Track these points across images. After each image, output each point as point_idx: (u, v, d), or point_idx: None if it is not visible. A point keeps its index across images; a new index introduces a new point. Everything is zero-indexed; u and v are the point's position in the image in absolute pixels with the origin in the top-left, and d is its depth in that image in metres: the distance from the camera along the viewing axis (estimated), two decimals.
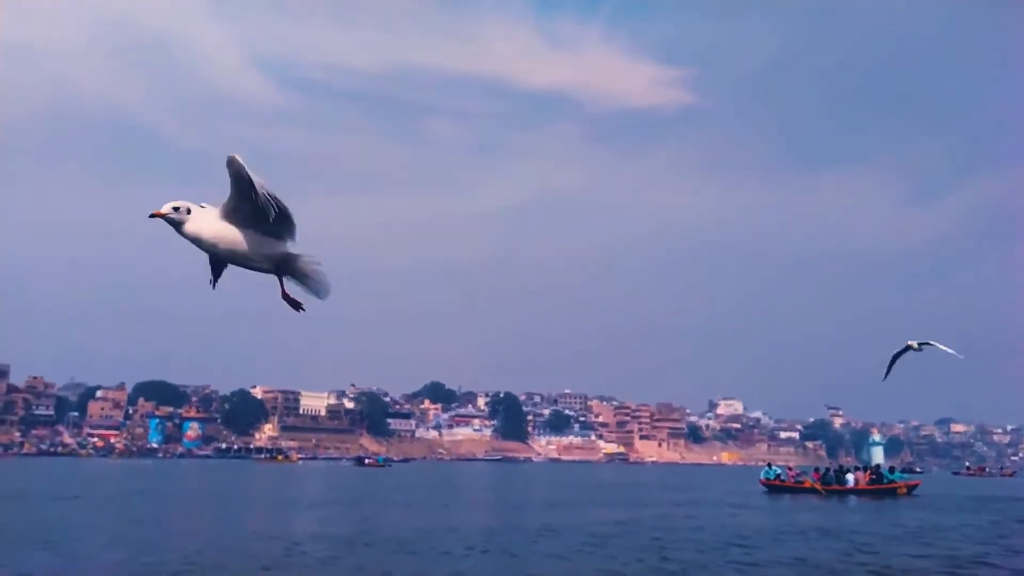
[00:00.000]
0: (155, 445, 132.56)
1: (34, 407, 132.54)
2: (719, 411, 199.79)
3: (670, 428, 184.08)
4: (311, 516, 22.75)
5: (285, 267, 4.61)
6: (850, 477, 37.66)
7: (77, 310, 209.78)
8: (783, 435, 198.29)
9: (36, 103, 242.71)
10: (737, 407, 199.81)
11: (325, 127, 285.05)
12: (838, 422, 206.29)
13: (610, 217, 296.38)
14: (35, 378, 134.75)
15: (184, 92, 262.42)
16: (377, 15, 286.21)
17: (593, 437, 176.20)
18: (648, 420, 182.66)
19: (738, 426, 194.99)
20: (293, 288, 4.63)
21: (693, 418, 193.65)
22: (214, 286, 4.95)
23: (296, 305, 4.67)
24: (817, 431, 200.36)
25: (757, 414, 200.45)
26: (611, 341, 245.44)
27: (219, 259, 4.56)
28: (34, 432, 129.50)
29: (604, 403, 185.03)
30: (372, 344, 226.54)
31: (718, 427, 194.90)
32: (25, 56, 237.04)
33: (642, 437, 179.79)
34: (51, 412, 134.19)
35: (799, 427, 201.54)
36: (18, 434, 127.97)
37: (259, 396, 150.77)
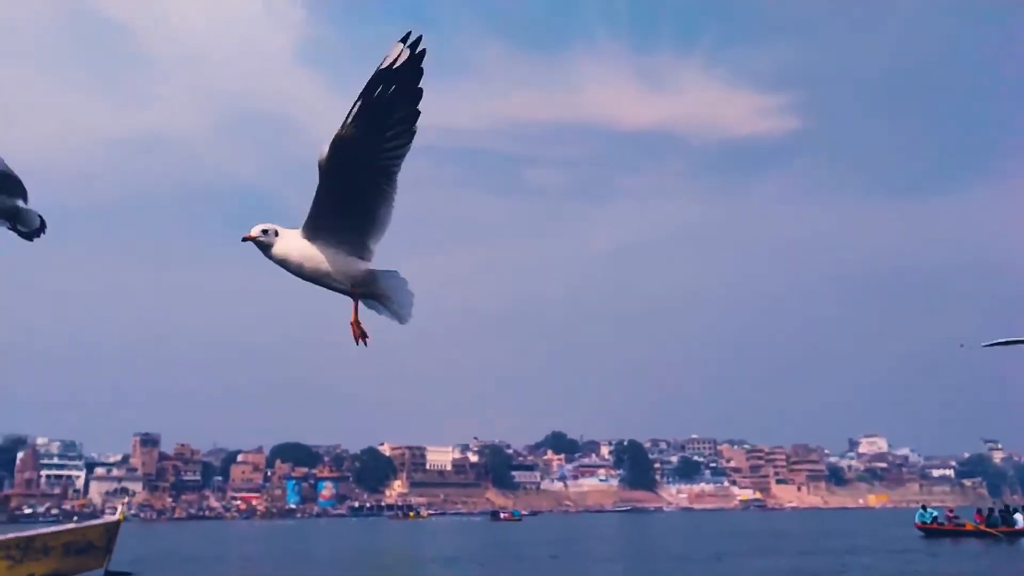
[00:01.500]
0: (293, 506, 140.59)
1: (183, 473, 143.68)
2: (861, 450, 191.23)
3: (808, 471, 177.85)
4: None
5: (367, 286, 4.73)
6: (1019, 517, 36.27)
7: (217, 377, 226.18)
8: (936, 473, 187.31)
9: (168, 183, 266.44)
10: (881, 444, 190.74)
11: (431, 183, 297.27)
12: (998, 457, 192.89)
13: (724, 250, 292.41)
14: (183, 445, 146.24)
15: (300, 160, 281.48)
16: (475, 73, 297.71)
17: (726, 483, 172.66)
18: (784, 463, 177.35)
19: (884, 465, 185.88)
20: (364, 313, 4.72)
21: (833, 459, 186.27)
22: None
23: (361, 336, 4.74)
24: (975, 467, 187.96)
25: (904, 451, 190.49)
26: (736, 381, 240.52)
27: (304, 279, 4.65)
28: (184, 497, 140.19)
29: (735, 447, 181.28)
30: (491, 395, 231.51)
31: (861, 467, 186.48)
32: (158, 143, 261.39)
33: (779, 481, 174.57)
34: (198, 477, 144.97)
35: (953, 464, 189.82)
36: (170, 500, 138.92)
37: (387, 453, 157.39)
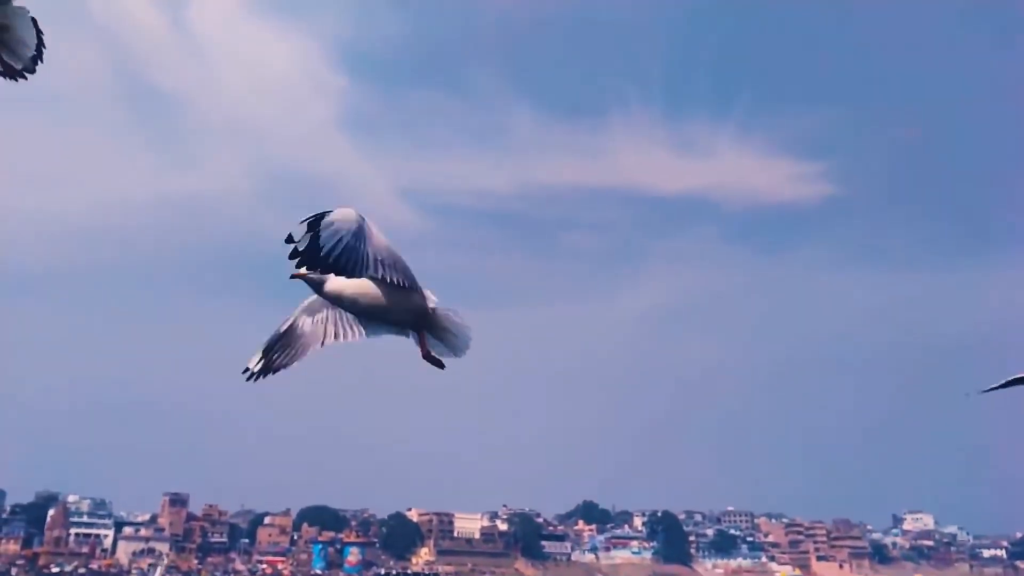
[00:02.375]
0: (319, 572, 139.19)
1: (210, 535, 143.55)
2: (906, 527, 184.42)
3: (851, 547, 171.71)
4: None
5: (424, 320, 4.70)
6: None
7: (244, 435, 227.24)
8: (986, 554, 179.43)
9: (209, 243, 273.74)
10: (927, 521, 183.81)
11: (465, 247, 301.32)
12: None
13: (760, 317, 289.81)
14: (211, 506, 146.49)
15: None
16: (509, 139, 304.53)
17: (764, 559, 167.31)
18: (825, 539, 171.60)
19: (930, 543, 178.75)
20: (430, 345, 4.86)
21: (876, 535, 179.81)
22: (256, 379, 5.19)
23: (437, 363, 4.78)
24: None
25: (952, 529, 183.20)
26: (772, 451, 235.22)
27: (359, 315, 4.67)
28: (209, 559, 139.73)
29: (773, 520, 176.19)
30: (522, 461, 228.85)
31: (907, 545, 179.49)
32: (193, 205, 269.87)
33: (820, 558, 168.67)
34: (224, 539, 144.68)
35: (1005, 544, 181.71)
36: (195, 562, 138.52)
37: (415, 519, 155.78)
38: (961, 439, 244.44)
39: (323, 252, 4.05)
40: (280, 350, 5.23)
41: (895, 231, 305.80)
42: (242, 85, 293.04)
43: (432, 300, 4.77)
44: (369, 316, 4.77)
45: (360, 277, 4.26)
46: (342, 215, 4.13)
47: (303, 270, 4.52)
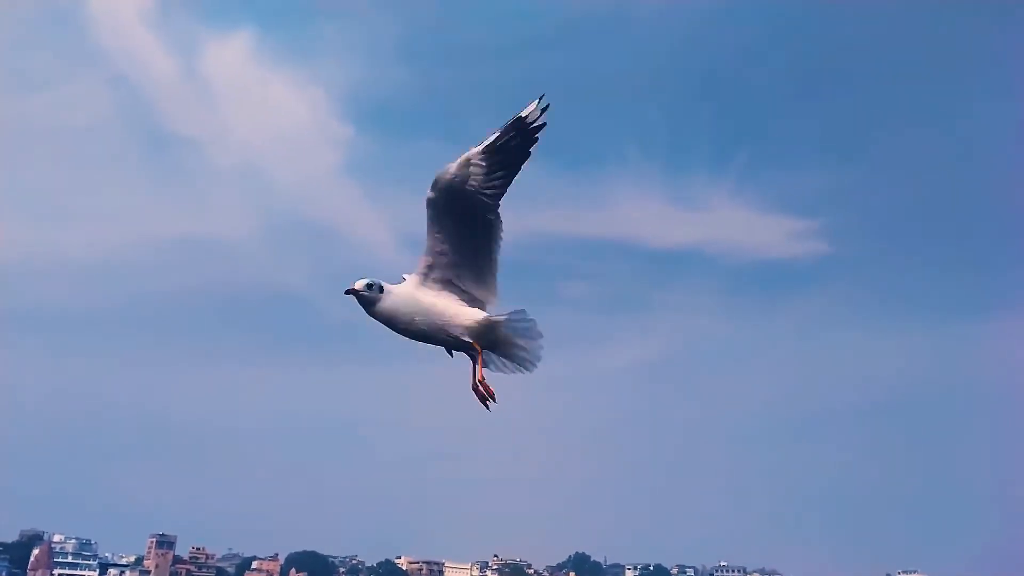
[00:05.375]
0: None
1: None
2: None
3: None
4: None
5: (488, 334, 4.44)
6: None
7: (234, 478, 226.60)
8: None
9: (214, 285, 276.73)
10: None
11: None
12: None
13: (753, 372, 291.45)
14: (198, 549, 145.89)
15: (340, 269, 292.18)
16: (511, 189, 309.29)
17: None
18: None
19: None
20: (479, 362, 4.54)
21: None
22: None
23: (487, 397, 4.43)
24: None
25: None
26: (766, 507, 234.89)
27: (414, 336, 4.34)
28: None
29: None
30: (513, 511, 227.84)
31: None
32: (201, 247, 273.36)
33: None
34: None
35: None
36: None
37: (404, 567, 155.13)
38: (955, 493, 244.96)
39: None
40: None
41: (888, 289, 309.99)
42: (251, 131, 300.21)
43: (489, 313, 4.56)
44: (425, 337, 4.52)
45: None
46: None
47: (356, 285, 4.37)
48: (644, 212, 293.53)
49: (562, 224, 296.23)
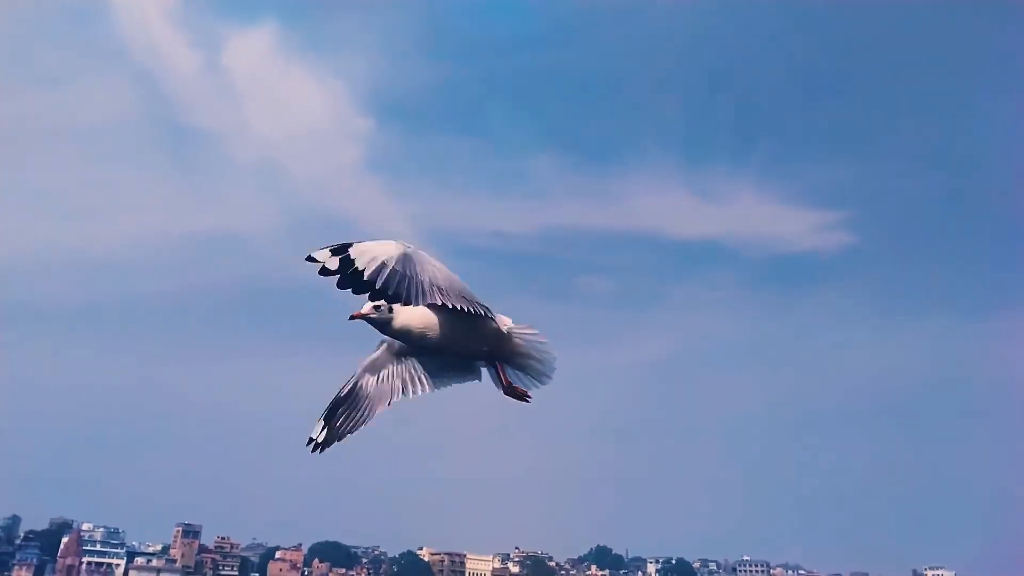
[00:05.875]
0: None
1: (221, 567, 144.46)
2: None
3: None
4: None
5: (501, 348, 4.49)
6: None
7: (260, 468, 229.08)
8: None
9: (235, 279, 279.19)
10: None
11: (481, 288, 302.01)
12: None
13: (775, 365, 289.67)
14: (223, 538, 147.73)
15: None
16: (529, 183, 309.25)
17: None
18: None
19: None
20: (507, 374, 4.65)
21: None
22: (321, 450, 4.69)
23: (521, 397, 4.52)
24: None
25: None
26: (790, 500, 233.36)
27: (428, 351, 4.40)
28: None
29: (789, 572, 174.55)
30: (536, 503, 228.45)
31: None
32: (222, 241, 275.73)
33: None
34: (235, 572, 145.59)
35: None
36: None
37: (426, 558, 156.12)
38: (982, 490, 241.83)
39: (368, 279, 4.06)
40: (344, 415, 4.85)
41: (913, 282, 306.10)
42: (272, 125, 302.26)
43: (506, 323, 4.62)
44: (438, 351, 4.54)
45: (417, 304, 4.14)
46: (380, 246, 4.16)
47: (364, 310, 4.37)
48: (665, 204, 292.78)
49: (581, 218, 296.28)
